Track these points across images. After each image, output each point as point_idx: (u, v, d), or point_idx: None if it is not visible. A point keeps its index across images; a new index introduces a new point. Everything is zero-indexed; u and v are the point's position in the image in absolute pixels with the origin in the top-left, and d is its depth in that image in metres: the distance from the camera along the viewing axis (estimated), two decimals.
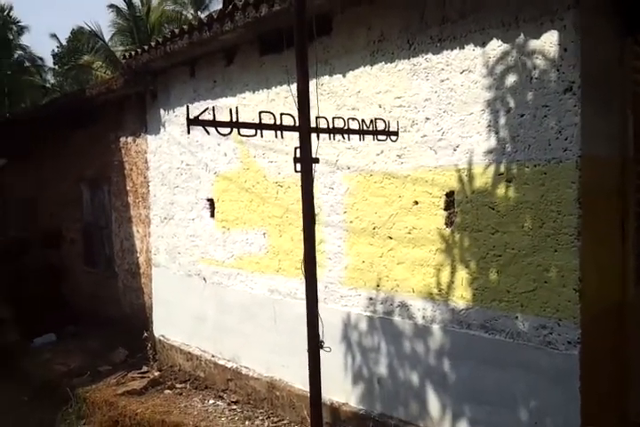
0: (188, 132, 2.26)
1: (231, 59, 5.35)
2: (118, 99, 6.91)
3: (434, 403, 3.78)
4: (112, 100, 7.02)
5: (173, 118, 6.18)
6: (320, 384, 2.42)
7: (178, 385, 5.81)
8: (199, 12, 21.92)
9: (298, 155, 2.32)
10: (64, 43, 25.88)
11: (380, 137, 2.90)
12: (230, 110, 2.30)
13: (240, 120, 2.47)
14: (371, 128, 2.80)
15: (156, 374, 6.09)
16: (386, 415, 4.08)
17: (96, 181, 7.91)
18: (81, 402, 5.69)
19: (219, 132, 2.32)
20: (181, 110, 6.03)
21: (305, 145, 2.30)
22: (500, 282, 3.43)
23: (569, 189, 3.13)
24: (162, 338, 6.55)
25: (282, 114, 2.40)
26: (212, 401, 5.35)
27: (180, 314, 6.25)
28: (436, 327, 3.74)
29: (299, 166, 2.34)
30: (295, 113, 2.57)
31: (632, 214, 3.56)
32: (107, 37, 19.03)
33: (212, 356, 5.78)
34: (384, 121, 2.99)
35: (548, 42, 3.16)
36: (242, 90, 5.24)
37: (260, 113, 2.38)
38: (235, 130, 2.57)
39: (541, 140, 3.23)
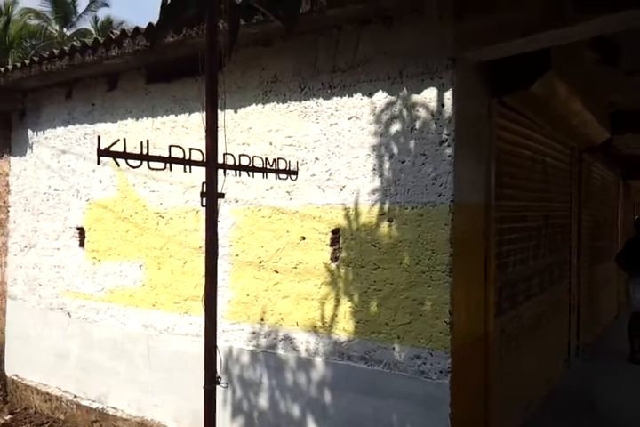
0: (98, 163, 2.20)
1: (114, 84, 5.20)
2: None
3: None
4: None
5: (43, 140, 5.83)
6: (215, 422, 2.41)
7: None
8: (65, 29, 20.92)
9: (204, 190, 2.35)
10: None
11: (281, 175, 3.01)
12: (141, 143, 2.28)
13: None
14: (274, 166, 2.90)
15: (8, 417, 5.51)
16: None
17: None
18: None
19: (129, 164, 2.28)
20: (53, 132, 5.71)
21: (212, 181, 2.34)
22: (379, 315, 3.64)
23: (442, 231, 3.45)
24: (15, 378, 5.97)
25: (191, 149, 2.42)
26: None
27: (39, 351, 5.76)
28: (318, 360, 3.86)
29: (204, 201, 2.36)
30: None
31: (493, 254, 3.99)
32: None
33: (75, 396, 5.38)
34: (285, 160, 3.11)
35: (428, 97, 3.51)
36: (124, 116, 5.10)
37: (169, 146, 2.39)
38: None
39: (419, 185, 3.54)
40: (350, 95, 3.80)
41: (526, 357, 5.14)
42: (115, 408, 5.04)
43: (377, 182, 3.68)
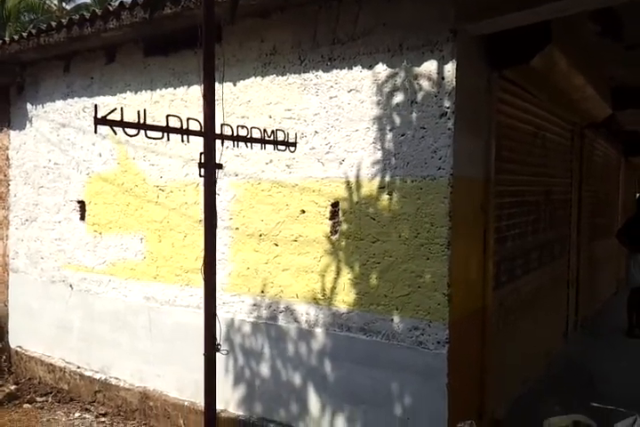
0: (95, 132, 2.20)
1: (112, 57, 5.16)
2: None
3: (314, 404, 3.94)
4: None
5: (42, 114, 5.80)
6: (215, 389, 2.46)
7: (38, 399, 5.41)
8: (64, 3, 20.61)
9: (202, 160, 2.35)
10: None
11: (280, 147, 3.02)
12: (138, 112, 2.28)
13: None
14: (272, 138, 2.90)
15: (13, 387, 5.61)
16: (266, 419, 4.16)
17: None
18: None
19: (126, 133, 2.28)
20: (52, 106, 5.68)
21: (210, 151, 2.34)
22: (378, 287, 3.68)
23: (441, 204, 3.46)
24: (19, 349, 6.06)
25: (188, 119, 2.42)
26: (77, 414, 5.06)
27: (42, 323, 5.84)
28: (318, 331, 3.91)
29: (202, 172, 2.37)
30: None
31: (492, 228, 4.01)
32: None
33: (78, 367, 5.47)
34: (283, 132, 3.11)
35: (428, 70, 3.49)
36: (123, 90, 5.08)
37: (167, 116, 2.39)
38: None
39: (419, 158, 3.54)
40: (350, 68, 3.78)
41: (524, 330, 5.21)
42: (117, 378, 5.14)
43: (376, 155, 3.68)
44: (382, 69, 3.65)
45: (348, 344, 3.79)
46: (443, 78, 3.43)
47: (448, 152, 3.44)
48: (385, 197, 3.66)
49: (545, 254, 5.95)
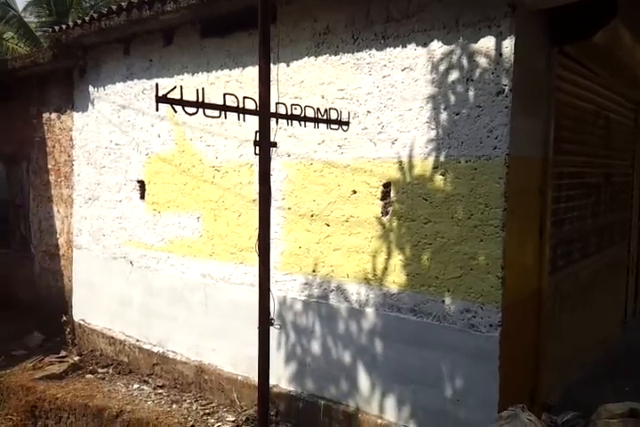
0: (157, 110, 2.28)
1: (170, 39, 5.26)
2: (43, 73, 6.59)
3: (363, 382, 3.99)
4: (36, 74, 6.67)
5: (104, 96, 5.99)
6: (269, 361, 2.53)
7: (100, 370, 5.69)
8: None
9: (257, 138, 2.39)
10: None
11: (332, 126, 3.02)
12: (197, 91, 2.33)
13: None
14: (325, 117, 2.91)
15: (76, 358, 5.93)
16: (316, 395, 4.25)
17: (13, 158, 7.50)
18: None
19: (185, 111, 2.34)
20: (113, 88, 5.86)
21: (265, 129, 2.37)
22: (430, 268, 3.66)
23: (496, 185, 3.39)
24: (82, 322, 6.37)
25: (244, 97, 2.46)
26: (136, 386, 5.30)
27: (103, 298, 6.11)
28: (368, 310, 3.94)
29: (257, 150, 2.41)
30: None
31: (549, 210, 3.90)
32: (20, 8, 17.83)
33: (137, 340, 5.71)
34: (336, 110, 3.11)
35: (485, 46, 3.39)
36: (180, 71, 5.18)
37: (224, 95, 2.43)
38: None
39: (474, 138, 3.47)
40: (404, 46, 3.72)
41: (581, 315, 5.07)
42: (174, 352, 5.34)
43: (430, 135, 3.63)
44: (437, 47, 3.57)
45: (397, 325, 3.80)
46: (500, 55, 3.33)
47: (505, 131, 3.36)
48: (438, 177, 3.61)
49: (604, 239, 5.75)
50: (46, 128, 6.84)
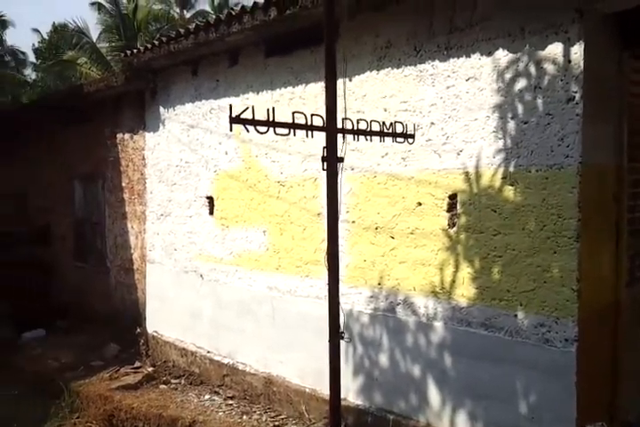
0: (231, 130, 2.36)
1: (235, 59, 5.43)
2: (116, 95, 6.95)
3: (433, 398, 3.92)
4: (109, 97, 7.04)
5: (173, 116, 6.24)
6: (339, 375, 2.54)
7: (173, 380, 5.86)
8: (185, 11, 21.91)
9: (325, 154, 2.43)
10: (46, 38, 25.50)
11: (398, 139, 3.03)
12: (267, 110, 2.40)
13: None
14: (391, 130, 2.92)
15: (150, 369, 6.13)
16: (384, 410, 4.21)
17: (90, 177, 7.91)
18: (74, 396, 5.71)
19: (257, 130, 2.41)
20: (182, 108, 6.09)
21: (332, 145, 2.41)
22: (500, 281, 3.58)
23: (569, 194, 3.29)
24: (155, 334, 6.59)
25: (312, 115, 2.51)
26: (207, 396, 5.42)
27: (175, 310, 6.30)
28: (437, 324, 3.88)
29: (324, 165, 2.45)
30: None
31: (625, 220, 3.73)
32: (94, 35, 18.91)
33: (208, 352, 5.85)
34: (401, 124, 3.12)
35: (553, 53, 3.32)
36: (245, 90, 5.33)
37: (292, 113, 2.49)
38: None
39: (544, 147, 3.38)
40: (468, 55, 3.69)
41: None
42: (244, 364, 5.43)
43: (497, 145, 3.57)
44: (502, 55, 3.52)
45: (467, 339, 3.72)
46: (569, 61, 3.25)
47: (576, 139, 3.26)
48: (507, 187, 3.54)
49: None
50: (120, 148, 7.18)
